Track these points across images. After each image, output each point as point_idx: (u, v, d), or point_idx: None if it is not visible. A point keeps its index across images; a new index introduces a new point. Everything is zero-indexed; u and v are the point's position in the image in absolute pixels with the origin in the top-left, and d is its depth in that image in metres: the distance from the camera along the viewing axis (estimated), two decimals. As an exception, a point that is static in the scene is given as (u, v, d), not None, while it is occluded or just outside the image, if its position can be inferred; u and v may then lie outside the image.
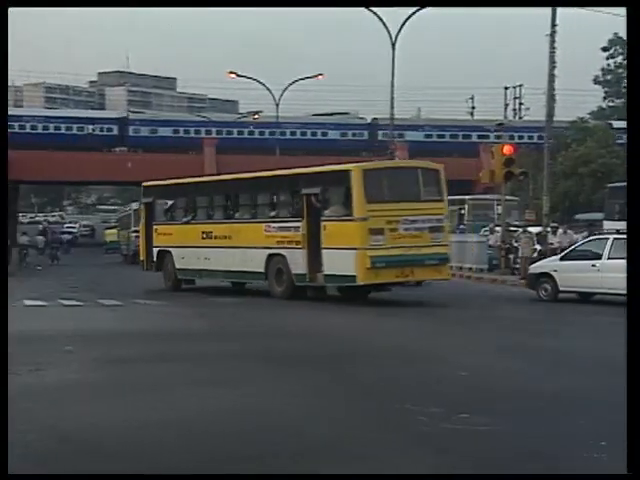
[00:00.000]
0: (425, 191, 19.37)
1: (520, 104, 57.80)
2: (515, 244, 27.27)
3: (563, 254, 20.68)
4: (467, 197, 48.37)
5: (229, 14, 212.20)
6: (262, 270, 20.35)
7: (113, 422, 7.84)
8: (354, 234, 18.40)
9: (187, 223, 23.10)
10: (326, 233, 18.94)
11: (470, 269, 28.33)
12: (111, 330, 14.64)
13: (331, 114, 71.59)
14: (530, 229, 27.59)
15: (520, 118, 58.53)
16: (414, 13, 32.79)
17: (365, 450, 6.97)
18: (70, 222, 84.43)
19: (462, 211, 48.01)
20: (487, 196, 44.95)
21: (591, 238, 21.59)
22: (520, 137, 55.40)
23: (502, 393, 9.23)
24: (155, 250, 23.92)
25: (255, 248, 20.56)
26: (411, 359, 11.54)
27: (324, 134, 64.02)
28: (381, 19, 33.06)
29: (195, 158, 59.13)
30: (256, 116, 64.36)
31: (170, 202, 23.86)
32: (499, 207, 33.78)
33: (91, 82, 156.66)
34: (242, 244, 21.02)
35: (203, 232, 22.42)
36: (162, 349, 12.34)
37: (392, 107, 35.89)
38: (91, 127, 62.44)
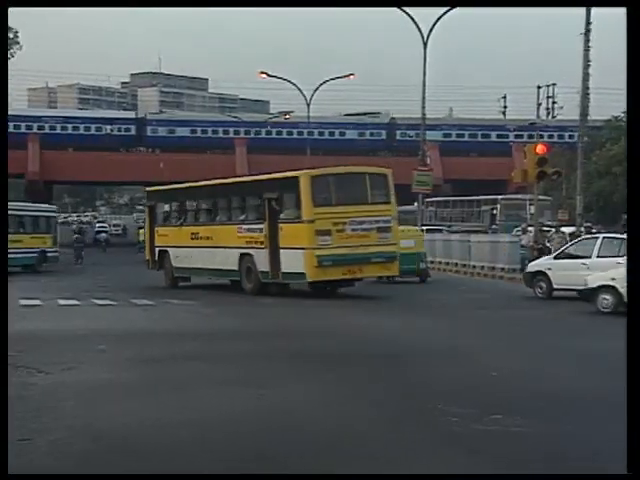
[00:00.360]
0: (373, 194, 20.79)
1: (553, 103, 57.30)
2: (548, 244, 27.03)
3: (557, 253, 21.26)
4: (499, 197, 48.16)
5: (260, 14, 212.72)
6: (236, 268, 21.98)
7: (144, 421, 7.86)
8: (303, 235, 20.06)
9: (180, 225, 24.97)
10: (282, 234, 20.61)
11: (502, 269, 28.14)
12: (143, 329, 14.72)
13: (363, 114, 71.42)
14: (563, 229, 27.36)
15: (553, 117, 58.05)
16: (445, 13, 32.66)
17: (395, 450, 6.94)
18: (99, 221, 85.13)
19: (494, 211, 47.83)
20: (519, 196, 44.68)
21: (582, 237, 22.20)
22: (552, 136, 54.99)
23: (534, 394, 9.15)
24: (157, 250, 25.73)
25: (231, 248, 22.23)
26: (440, 359, 11.47)
27: (342, 134, 63.75)
28: (413, 19, 32.97)
29: (227, 158, 59.29)
30: (287, 116, 64.38)
31: (167, 206, 26.14)
32: (532, 207, 33.54)
33: (123, 83, 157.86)
34: (221, 244, 22.73)
35: (192, 233, 24.29)
36: (193, 348, 12.37)
37: (423, 107, 35.73)
38: (109, 127, 62.76)
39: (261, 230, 21.20)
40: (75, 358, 11.36)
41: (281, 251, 20.56)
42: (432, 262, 32.52)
